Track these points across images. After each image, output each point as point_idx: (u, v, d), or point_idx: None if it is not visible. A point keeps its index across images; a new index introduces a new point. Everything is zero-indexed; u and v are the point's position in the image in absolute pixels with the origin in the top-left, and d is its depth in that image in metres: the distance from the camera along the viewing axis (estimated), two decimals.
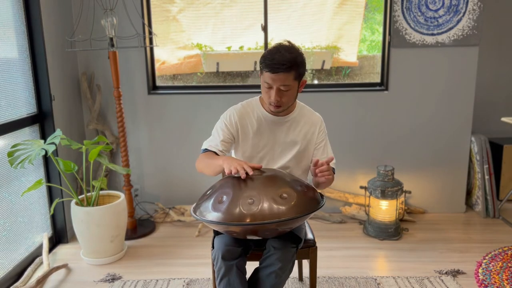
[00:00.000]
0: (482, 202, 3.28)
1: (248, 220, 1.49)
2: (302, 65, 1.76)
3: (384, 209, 2.96)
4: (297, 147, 1.90)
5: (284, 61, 1.69)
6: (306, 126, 1.91)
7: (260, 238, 1.67)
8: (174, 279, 2.47)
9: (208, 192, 1.70)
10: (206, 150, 1.89)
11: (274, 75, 1.71)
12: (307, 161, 1.95)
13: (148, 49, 3.20)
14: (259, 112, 1.90)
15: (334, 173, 1.90)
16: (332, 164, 1.92)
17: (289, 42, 1.78)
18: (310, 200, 1.61)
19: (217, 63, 3.45)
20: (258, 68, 3.37)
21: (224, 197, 1.59)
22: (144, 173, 3.37)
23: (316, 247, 1.91)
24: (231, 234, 1.65)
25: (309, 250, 1.89)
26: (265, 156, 1.92)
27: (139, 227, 3.15)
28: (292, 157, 1.90)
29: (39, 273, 2.53)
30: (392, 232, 2.95)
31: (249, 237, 1.66)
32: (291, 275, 2.44)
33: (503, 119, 3.09)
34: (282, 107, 1.80)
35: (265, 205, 1.52)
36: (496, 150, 3.45)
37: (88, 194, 2.73)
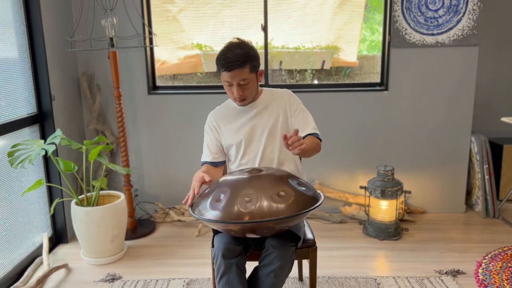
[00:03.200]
0: (482, 202, 3.28)
1: (246, 218, 1.50)
2: (255, 58, 1.85)
3: (384, 209, 2.96)
4: (277, 126, 1.94)
5: (237, 57, 1.77)
6: (275, 103, 1.97)
7: (258, 236, 1.67)
8: (174, 279, 2.48)
9: (206, 191, 1.70)
10: (203, 163, 2.01)
11: (230, 73, 1.79)
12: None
13: (148, 49, 3.20)
14: (232, 108, 2.00)
15: (320, 139, 1.91)
16: (312, 129, 1.92)
17: (238, 39, 1.88)
18: (308, 198, 1.61)
19: None
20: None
21: (222, 196, 1.59)
22: (144, 173, 3.37)
23: (316, 247, 1.91)
24: (229, 233, 1.66)
25: (309, 250, 1.89)
26: (253, 145, 1.96)
27: (139, 227, 3.15)
28: (278, 139, 1.94)
29: (39, 273, 2.53)
30: (392, 232, 2.95)
31: (247, 236, 1.66)
32: (291, 275, 2.44)
33: (503, 119, 3.09)
34: (246, 99, 1.90)
35: (263, 203, 1.52)
36: (496, 150, 3.45)
37: (88, 194, 2.74)
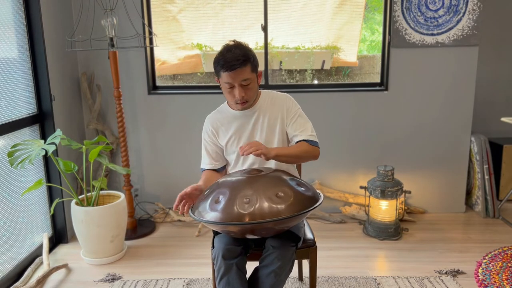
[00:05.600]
0: (482, 202, 3.28)
1: (245, 220, 1.50)
2: (254, 58, 1.84)
3: (384, 209, 2.96)
4: (275, 133, 1.92)
5: (238, 56, 1.75)
6: (274, 108, 1.93)
7: (258, 237, 1.67)
8: (174, 279, 2.48)
9: (206, 192, 1.71)
10: (203, 170, 2.01)
11: (232, 73, 1.76)
12: (288, 142, 1.97)
13: (148, 49, 3.20)
14: (229, 113, 1.96)
15: (317, 146, 1.90)
16: (307, 136, 1.89)
17: (234, 41, 1.84)
18: (307, 198, 1.61)
19: None
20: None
21: (221, 197, 1.59)
22: (144, 173, 3.37)
23: (316, 247, 1.91)
24: (229, 234, 1.66)
25: (309, 250, 1.89)
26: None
27: (139, 227, 3.15)
28: (275, 143, 1.93)
29: (39, 273, 2.53)
30: (392, 232, 2.95)
31: (247, 237, 1.66)
32: (291, 275, 2.44)
33: (503, 119, 3.09)
34: (248, 102, 1.87)
35: (261, 204, 1.52)
36: (496, 150, 3.45)
37: (88, 194, 2.74)
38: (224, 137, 1.96)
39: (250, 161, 1.95)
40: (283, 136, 1.93)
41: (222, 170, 2.03)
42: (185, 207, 1.70)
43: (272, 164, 1.94)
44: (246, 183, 1.62)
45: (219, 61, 1.77)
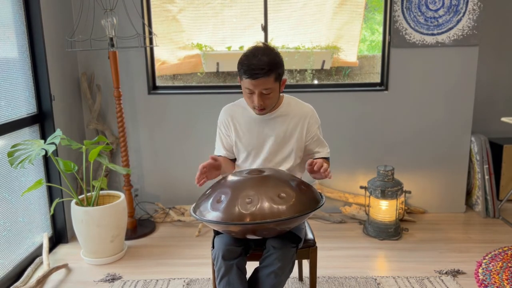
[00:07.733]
0: (482, 202, 3.28)
1: (246, 220, 1.50)
2: (280, 66, 1.75)
3: (384, 209, 2.96)
4: (289, 141, 1.91)
5: (263, 65, 1.67)
6: (295, 119, 1.91)
7: (259, 237, 1.67)
8: (174, 279, 2.48)
9: (207, 192, 1.71)
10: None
11: (254, 81, 1.70)
12: (300, 153, 1.95)
13: (148, 49, 3.20)
14: (247, 112, 1.92)
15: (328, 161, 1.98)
16: (327, 154, 1.98)
17: (264, 44, 1.78)
18: (309, 199, 1.61)
19: (217, 63, 3.45)
20: None
21: (223, 197, 1.59)
22: (144, 173, 3.36)
23: (316, 247, 1.91)
24: (230, 234, 1.66)
25: (309, 250, 1.89)
26: (259, 153, 1.93)
27: (139, 227, 3.15)
28: (287, 152, 1.91)
29: (39, 273, 2.53)
30: (392, 232, 2.95)
31: (248, 237, 1.66)
32: (291, 275, 2.43)
33: (503, 119, 3.09)
34: (266, 109, 1.82)
35: (263, 204, 1.52)
36: (496, 150, 3.45)
37: (88, 194, 2.74)
38: (237, 132, 1.94)
39: (259, 162, 1.93)
40: (297, 147, 1.91)
41: (234, 161, 2.03)
42: (201, 182, 1.71)
43: (275, 165, 1.94)
44: (248, 183, 1.62)
45: (243, 66, 1.70)
